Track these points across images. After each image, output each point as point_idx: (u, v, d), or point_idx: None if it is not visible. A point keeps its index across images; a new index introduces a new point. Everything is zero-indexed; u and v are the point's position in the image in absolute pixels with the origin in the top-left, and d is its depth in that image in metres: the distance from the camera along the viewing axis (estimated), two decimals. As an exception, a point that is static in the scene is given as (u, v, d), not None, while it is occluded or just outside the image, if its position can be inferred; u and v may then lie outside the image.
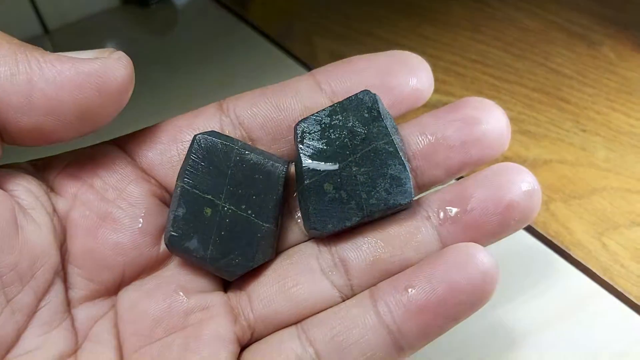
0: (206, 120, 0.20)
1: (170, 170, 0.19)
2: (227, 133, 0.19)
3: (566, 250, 0.27)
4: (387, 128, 0.18)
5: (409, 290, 0.17)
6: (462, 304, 0.17)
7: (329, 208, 0.18)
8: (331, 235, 0.19)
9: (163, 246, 0.19)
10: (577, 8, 0.41)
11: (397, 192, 0.18)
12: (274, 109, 0.20)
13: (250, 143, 0.20)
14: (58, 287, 0.17)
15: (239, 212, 0.18)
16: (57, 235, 0.17)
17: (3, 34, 0.16)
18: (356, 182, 0.18)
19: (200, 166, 0.18)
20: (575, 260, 0.26)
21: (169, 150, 0.19)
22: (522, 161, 0.31)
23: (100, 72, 0.16)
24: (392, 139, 0.18)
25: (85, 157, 0.18)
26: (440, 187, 0.20)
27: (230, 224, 0.18)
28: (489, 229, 0.18)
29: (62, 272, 0.18)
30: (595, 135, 0.32)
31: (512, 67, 0.37)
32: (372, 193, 0.18)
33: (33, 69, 0.16)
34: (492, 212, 0.18)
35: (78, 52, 0.17)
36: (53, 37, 0.45)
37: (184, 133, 0.19)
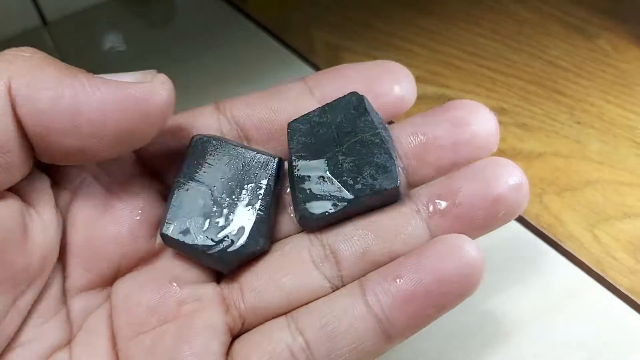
0: (204, 118, 0.20)
1: (169, 165, 0.20)
2: (224, 131, 0.21)
3: (558, 242, 0.27)
4: (373, 122, 0.19)
5: (397, 280, 0.17)
6: (449, 293, 0.17)
7: (316, 195, 0.19)
8: (322, 226, 0.19)
9: (159, 238, 0.19)
10: (574, 0, 0.41)
11: (382, 178, 0.19)
12: (268, 111, 0.21)
13: (245, 142, 0.21)
14: (57, 279, 0.18)
15: (231, 201, 0.19)
16: (59, 229, 0.18)
17: (49, 57, 0.16)
18: (342, 170, 0.19)
19: (196, 162, 0.19)
20: (567, 252, 0.27)
21: (167, 145, 0.20)
22: (517, 153, 0.31)
23: (144, 96, 0.16)
24: (378, 132, 0.19)
25: None
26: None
27: (223, 212, 0.19)
28: (477, 222, 0.18)
29: (61, 263, 0.18)
30: (590, 127, 0.32)
31: (508, 59, 0.37)
32: (358, 179, 0.19)
33: (78, 92, 0.16)
34: (479, 206, 0.18)
35: (121, 74, 0.17)
36: (51, 29, 0.45)
37: (183, 130, 0.20)
